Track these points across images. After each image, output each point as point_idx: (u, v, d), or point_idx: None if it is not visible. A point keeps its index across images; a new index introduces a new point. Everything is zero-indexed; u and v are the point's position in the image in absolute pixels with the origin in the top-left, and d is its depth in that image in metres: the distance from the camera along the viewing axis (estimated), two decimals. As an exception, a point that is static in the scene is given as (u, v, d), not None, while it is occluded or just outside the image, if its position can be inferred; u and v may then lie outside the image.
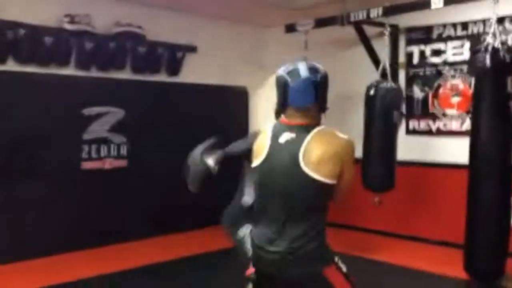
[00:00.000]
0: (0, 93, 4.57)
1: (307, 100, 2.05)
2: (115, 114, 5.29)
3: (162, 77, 5.76)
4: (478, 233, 3.90)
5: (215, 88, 6.20)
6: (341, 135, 2.04)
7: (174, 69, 5.82)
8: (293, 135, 2.02)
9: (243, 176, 2.31)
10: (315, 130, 2.01)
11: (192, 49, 5.96)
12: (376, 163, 4.62)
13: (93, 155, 5.15)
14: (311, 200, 1.99)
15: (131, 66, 5.47)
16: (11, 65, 4.64)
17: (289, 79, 2.04)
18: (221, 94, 6.31)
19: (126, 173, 5.37)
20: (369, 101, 4.63)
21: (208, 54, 6.12)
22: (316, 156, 1.95)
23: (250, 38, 6.76)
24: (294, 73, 2.06)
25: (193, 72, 5.97)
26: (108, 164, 5.26)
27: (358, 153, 4.84)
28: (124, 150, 5.37)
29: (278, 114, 2.12)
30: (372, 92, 4.59)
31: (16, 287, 4.06)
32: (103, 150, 5.23)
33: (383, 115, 4.55)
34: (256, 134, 2.20)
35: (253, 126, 6.80)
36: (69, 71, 5.02)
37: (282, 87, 2.06)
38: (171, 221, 5.59)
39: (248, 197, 2.25)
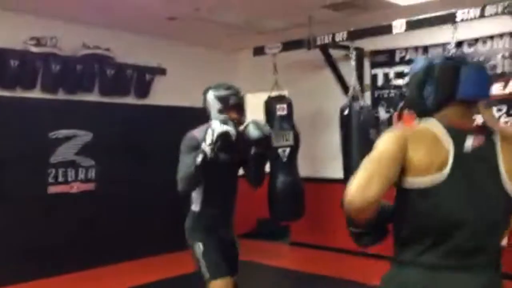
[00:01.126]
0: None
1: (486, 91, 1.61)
2: (83, 137, 5.23)
3: (130, 99, 5.75)
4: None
5: (184, 110, 6.21)
6: None
7: (143, 91, 5.82)
8: (480, 141, 1.54)
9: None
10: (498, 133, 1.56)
11: (161, 71, 5.98)
12: None
13: (60, 178, 5.06)
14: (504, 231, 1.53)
15: (99, 89, 5.44)
16: (-25, 89, 4.57)
17: (462, 64, 1.57)
18: (191, 116, 6.25)
19: (93, 196, 5.30)
20: (344, 121, 4.74)
21: (177, 76, 6.15)
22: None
23: (219, 61, 6.83)
24: (463, 59, 1.65)
25: (163, 95, 5.98)
26: (75, 188, 5.18)
27: (334, 172, 5.00)
28: (92, 173, 5.30)
29: (428, 112, 1.63)
30: (346, 112, 4.72)
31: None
32: (70, 174, 5.15)
33: (360, 133, 4.65)
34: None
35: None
36: (36, 94, 4.96)
37: (450, 73, 1.58)
38: (139, 245, 5.51)
39: None
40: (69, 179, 5.14)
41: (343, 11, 5.05)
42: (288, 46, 5.34)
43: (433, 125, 1.59)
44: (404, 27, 4.40)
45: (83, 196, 5.23)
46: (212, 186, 2.69)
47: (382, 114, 5.59)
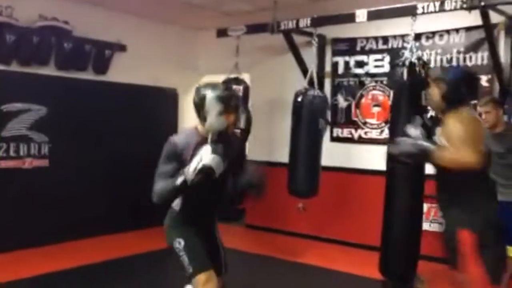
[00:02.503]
0: None
1: None
2: (37, 111, 5.07)
3: (89, 75, 5.61)
4: (393, 237, 4.15)
5: (144, 88, 6.12)
6: None
7: (102, 67, 5.68)
8: None
9: None
10: None
11: (121, 48, 5.85)
12: (302, 169, 4.75)
13: (12, 153, 4.90)
14: None
15: (55, 62, 5.28)
16: None
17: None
18: (150, 95, 6.24)
19: (47, 173, 5.16)
20: (297, 108, 4.76)
21: (138, 54, 6.04)
22: None
23: (181, 39, 6.75)
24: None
25: (122, 72, 5.86)
26: (27, 163, 5.03)
27: (287, 157, 5.05)
28: (45, 150, 5.16)
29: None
30: (299, 99, 4.73)
31: None
32: (23, 149, 5.00)
33: (310, 121, 4.70)
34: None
35: (182, 127, 6.78)
36: (-13, 64, 4.76)
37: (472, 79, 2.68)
38: (92, 223, 5.41)
39: None
40: (21, 154, 4.98)
41: (308, -3, 5.08)
42: (252, 29, 5.33)
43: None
44: (366, 17, 4.48)
45: (36, 172, 5.09)
46: (194, 191, 2.51)
47: (341, 102, 5.70)
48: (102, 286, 4.10)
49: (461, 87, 2.55)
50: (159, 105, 6.34)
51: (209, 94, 2.48)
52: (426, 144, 2.48)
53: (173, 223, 2.66)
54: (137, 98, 6.02)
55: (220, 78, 5.98)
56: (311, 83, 5.11)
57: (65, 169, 5.26)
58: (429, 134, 2.66)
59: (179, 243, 2.59)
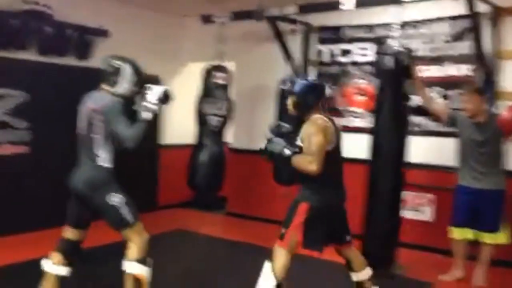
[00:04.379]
0: None
1: None
2: (16, 97, 4.97)
3: (70, 60, 5.49)
4: (374, 224, 4.19)
5: (127, 75, 6.02)
6: None
7: (84, 52, 5.58)
8: None
9: None
10: None
11: (103, 33, 5.74)
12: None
13: (-10, 139, 4.81)
14: None
15: (36, 47, 5.16)
16: None
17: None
18: (134, 81, 6.14)
19: (27, 160, 5.07)
20: (281, 94, 4.75)
21: (120, 39, 5.92)
22: None
23: (165, 26, 6.66)
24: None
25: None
26: (6, 149, 4.93)
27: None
28: (26, 136, 5.07)
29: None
30: (285, 86, 4.71)
31: None
32: (1, 135, 4.90)
33: None
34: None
35: (165, 115, 6.72)
36: (-36, 48, 4.64)
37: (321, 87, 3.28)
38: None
39: None
40: (0, 140, 4.89)
41: (294, -16, 5.04)
42: (237, 16, 5.30)
43: None
44: (353, 4, 4.46)
45: (15, 158, 5.00)
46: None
47: (326, 90, 5.67)
48: (93, 270, 4.07)
49: (307, 97, 3.01)
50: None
51: (127, 68, 3.13)
52: (288, 149, 2.95)
53: (109, 179, 3.06)
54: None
55: (203, 66, 5.96)
56: (296, 70, 5.10)
57: (47, 156, 5.18)
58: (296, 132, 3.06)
59: (119, 197, 3.03)
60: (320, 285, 4.15)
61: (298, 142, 2.96)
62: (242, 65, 6.22)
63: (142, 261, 3.05)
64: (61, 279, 3.11)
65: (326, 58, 5.69)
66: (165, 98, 3.03)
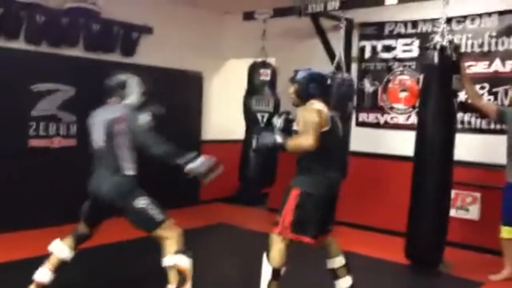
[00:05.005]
0: None
1: None
2: (66, 92, 5.14)
3: (116, 56, 5.65)
4: (420, 222, 4.13)
5: (170, 71, 6.14)
6: None
7: (129, 49, 5.72)
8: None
9: None
10: None
11: (148, 30, 5.87)
12: None
13: (41, 132, 4.99)
14: None
15: (83, 44, 5.33)
16: (-45, 35, 4.42)
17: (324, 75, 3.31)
18: (176, 78, 6.26)
19: (74, 152, 5.24)
20: None
21: (163, 36, 6.06)
22: None
23: (207, 23, 6.75)
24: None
25: (148, 54, 5.89)
26: (56, 142, 5.11)
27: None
28: (73, 129, 5.23)
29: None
30: (328, 81, 4.67)
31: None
32: (52, 128, 5.08)
33: (338, 105, 4.61)
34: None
35: (206, 112, 6.81)
36: (19, 44, 4.83)
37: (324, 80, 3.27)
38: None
39: None
40: (50, 133, 5.07)
41: (336, -21, 5.01)
42: (279, 12, 5.31)
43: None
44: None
45: (64, 151, 5.17)
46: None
47: (367, 86, 5.64)
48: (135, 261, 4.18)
49: (309, 86, 3.12)
50: (184, 88, 6.37)
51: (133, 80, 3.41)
52: (279, 137, 3.04)
53: (132, 186, 3.19)
54: (163, 81, 6.04)
55: (245, 62, 6.01)
56: (338, 67, 5.08)
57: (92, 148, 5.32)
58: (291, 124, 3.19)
59: (144, 200, 3.14)
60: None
61: (294, 127, 3.08)
62: (283, 61, 6.23)
63: (183, 252, 3.12)
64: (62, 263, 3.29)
65: (368, 54, 5.64)
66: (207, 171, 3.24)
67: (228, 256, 4.59)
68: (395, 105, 5.44)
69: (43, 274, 3.20)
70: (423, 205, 4.13)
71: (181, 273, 3.09)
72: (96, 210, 3.30)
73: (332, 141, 3.07)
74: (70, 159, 5.19)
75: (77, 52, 5.30)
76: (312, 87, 3.12)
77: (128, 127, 3.15)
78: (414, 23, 5.27)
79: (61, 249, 3.29)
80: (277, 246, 3.02)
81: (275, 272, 3.00)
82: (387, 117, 5.50)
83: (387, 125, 5.51)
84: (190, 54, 6.44)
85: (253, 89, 5.57)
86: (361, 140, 5.51)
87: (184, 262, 3.09)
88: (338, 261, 3.25)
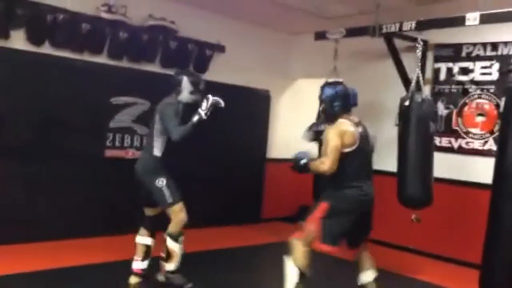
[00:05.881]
0: (35, 74, 4.67)
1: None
2: (142, 105, 5.36)
3: (189, 73, 5.83)
4: (497, 254, 3.90)
5: (239, 89, 6.26)
6: None
7: (202, 66, 5.89)
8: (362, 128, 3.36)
9: None
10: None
11: (221, 48, 6.03)
12: (415, 176, 4.45)
13: (117, 143, 5.22)
14: None
15: (160, 60, 5.55)
16: (47, 48, 4.74)
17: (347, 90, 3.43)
18: (245, 96, 6.36)
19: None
20: (404, 112, 4.53)
21: (234, 55, 6.20)
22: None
23: (277, 43, 6.84)
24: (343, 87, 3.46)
25: (220, 71, 6.04)
26: (130, 154, 5.32)
27: (381, 164, 4.90)
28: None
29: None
30: (407, 103, 4.51)
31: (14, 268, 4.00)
32: (127, 140, 5.30)
33: (420, 126, 4.42)
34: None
35: (273, 130, 6.86)
36: (102, 59, 5.10)
37: (346, 94, 3.37)
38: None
39: None
40: (125, 144, 5.29)
41: None
42: (352, 32, 5.27)
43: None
44: (477, 20, 4.25)
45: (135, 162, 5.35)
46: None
47: (441, 109, 5.46)
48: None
49: (334, 103, 3.29)
50: (252, 106, 6.46)
51: (185, 78, 3.85)
52: (305, 158, 3.26)
53: (157, 166, 3.72)
54: (232, 98, 6.12)
55: (313, 83, 6.01)
56: (416, 87, 4.94)
57: (164, 162, 5.47)
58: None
59: (162, 181, 3.67)
60: None
61: (323, 146, 3.31)
62: (351, 81, 6.16)
63: (174, 237, 3.69)
64: (148, 247, 3.83)
65: (442, 76, 5.48)
66: (213, 106, 3.72)
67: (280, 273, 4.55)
68: (471, 130, 5.23)
69: (138, 264, 3.79)
70: (500, 235, 3.90)
71: (169, 251, 3.69)
72: (144, 191, 3.80)
73: (362, 158, 3.25)
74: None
75: (154, 67, 5.52)
76: (337, 105, 3.29)
77: (159, 115, 3.69)
78: (494, 45, 5.08)
79: (143, 239, 3.83)
80: (300, 249, 3.23)
81: (301, 274, 3.19)
82: (461, 142, 5.29)
83: (461, 150, 5.30)
84: (259, 73, 6.54)
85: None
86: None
87: (173, 246, 3.67)
88: (368, 275, 3.37)
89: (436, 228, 5.38)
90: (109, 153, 5.18)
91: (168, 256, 3.71)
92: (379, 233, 5.79)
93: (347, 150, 3.16)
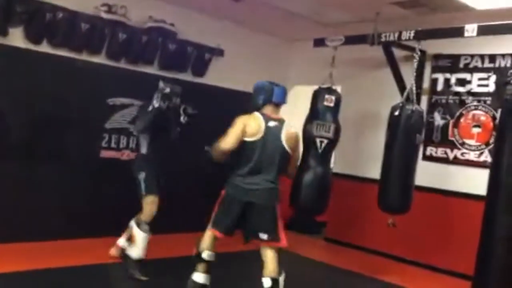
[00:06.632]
0: (31, 72, 4.64)
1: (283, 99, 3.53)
2: (138, 106, 5.33)
3: (187, 76, 5.83)
4: (490, 265, 3.90)
5: (237, 93, 6.24)
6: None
7: (201, 70, 5.89)
8: (276, 123, 3.39)
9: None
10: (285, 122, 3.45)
11: (220, 52, 6.03)
12: (395, 184, 4.59)
13: (113, 144, 5.20)
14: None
15: (159, 62, 5.54)
16: (45, 47, 4.72)
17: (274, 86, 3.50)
18: (243, 100, 6.30)
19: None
20: (393, 121, 4.62)
21: (234, 59, 6.20)
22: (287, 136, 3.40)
23: (276, 49, 6.85)
24: (274, 83, 3.54)
25: (218, 75, 6.04)
26: (125, 155, 5.30)
27: (374, 172, 4.92)
28: (142, 143, 5.40)
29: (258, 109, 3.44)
30: (396, 113, 4.58)
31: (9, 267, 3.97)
32: (122, 141, 5.28)
33: (406, 137, 4.54)
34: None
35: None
36: (100, 59, 5.09)
37: (270, 89, 3.46)
38: (180, 218, 5.54)
39: None
40: (121, 146, 5.27)
41: (412, 9, 4.96)
42: (351, 39, 5.28)
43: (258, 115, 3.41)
44: (475, 32, 4.28)
45: (130, 163, 5.32)
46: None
47: (438, 120, 5.48)
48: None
49: (258, 96, 3.46)
50: (251, 110, 6.42)
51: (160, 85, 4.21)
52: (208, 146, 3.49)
53: (142, 163, 4.26)
54: (229, 102, 6.14)
55: (309, 89, 6.01)
56: (408, 98, 4.96)
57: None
58: None
59: (142, 175, 4.16)
60: None
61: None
62: (349, 89, 6.19)
63: (138, 224, 4.15)
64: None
65: (440, 87, 5.50)
66: (164, 96, 4.07)
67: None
68: (467, 141, 5.24)
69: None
70: (494, 247, 3.90)
71: (131, 235, 4.16)
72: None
73: (263, 151, 3.32)
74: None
75: (152, 69, 5.51)
76: (260, 98, 3.45)
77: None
78: (492, 57, 5.10)
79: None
80: (206, 235, 3.48)
81: (199, 254, 3.46)
82: (457, 153, 5.30)
83: (456, 161, 5.31)
84: (258, 78, 6.41)
85: (315, 114, 5.53)
86: (427, 174, 5.32)
87: (136, 230, 4.11)
88: (266, 282, 3.30)
89: (429, 238, 5.38)
90: (104, 153, 5.16)
91: (131, 240, 4.17)
92: (361, 239, 5.87)
93: (247, 139, 3.30)
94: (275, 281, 3.28)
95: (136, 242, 4.11)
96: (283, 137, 3.36)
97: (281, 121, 3.42)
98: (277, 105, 3.47)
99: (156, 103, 4.04)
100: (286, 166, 3.47)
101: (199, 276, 3.45)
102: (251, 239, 3.40)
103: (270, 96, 3.42)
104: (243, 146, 3.31)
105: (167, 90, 4.12)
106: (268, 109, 3.42)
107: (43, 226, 4.71)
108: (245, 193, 3.30)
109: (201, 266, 3.46)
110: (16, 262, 4.09)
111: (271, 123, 3.35)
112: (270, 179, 3.35)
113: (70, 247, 4.66)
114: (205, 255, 3.46)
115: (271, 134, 3.34)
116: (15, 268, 3.94)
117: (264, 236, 3.29)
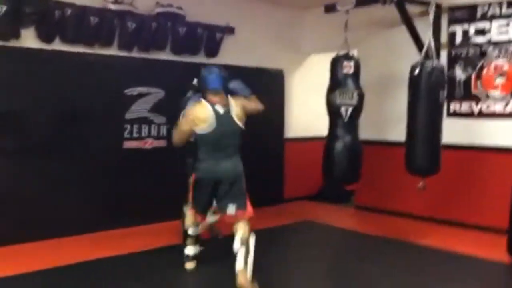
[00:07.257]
0: (48, 71, 4.69)
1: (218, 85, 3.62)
2: (156, 94, 5.36)
3: (200, 58, 5.80)
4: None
5: (252, 70, 6.20)
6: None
7: (213, 50, 5.85)
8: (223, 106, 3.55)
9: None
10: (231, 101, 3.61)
11: (230, 30, 5.97)
12: (422, 145, 4.50)
13: (135, 134, 5.24)
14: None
15: (171, 47, 5.52)
16: (58, 45, 4.75)
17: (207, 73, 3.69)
18: (258, 76, 6.27)
19: (165, 153, 5.43)
20: (414, 81, 4.51)
21: (245, 36, 6.14)
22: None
23: (287, 20, 6.75)
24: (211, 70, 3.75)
25: (231, 54, 5.99)
26: (148, 144, 5.34)
27: (400, 135, 4.84)
28: (164, 131, 5.44)
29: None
30: (417, 71, 4.47)
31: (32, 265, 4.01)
32: (144, 130, 5.32)
33: (429, 95, 4.43)
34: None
35: (289, 108, 6.81)
36: (112, 51, 5.10)
37: (204, 77, 3.66)
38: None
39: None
40: (143, 135, 5.31)
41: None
42: (362, 1, 5.14)
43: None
44: (491, -22, 4.11)
45: (155, 152, 5.39)
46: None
47: (459, 74, 5.34)
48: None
49: (200, 84, 3.71)
50: (266, 86, 6.36)
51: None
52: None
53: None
54: (245, 80, 6.10)
55: (326, 57, 5.91)
56: (427, 55, 4.84)
57: (181, 150, 5.49)
58: None
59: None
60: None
61: None
62: (365, 53, 6.08)
63: None
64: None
65: (458, 39, 5.34)
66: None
67: (317, 251, 4.56)
68: (491, 93, 5.10)
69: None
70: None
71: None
72: None
73: (218, 137, 3.50)
74: (162, 160, 5.40)
75: (165, 55, 5.50)
76: (201, 86, 3.67)
77: None
78: (510, 3, 4.91)
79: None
80: (188, 215, 3.89)
81: (186, 232, 3.91)
82: (482, 106, 5.18)
83: (482, 115, 5.19)
84: (271, 51, 6.48)
85: (336, 83, 5.46)
86: (453, 131, 5.22)
87: None
88: (236, 244, 3.41)
89: (459, 195, 5.31)
90: (127, 144, 5.21)
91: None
92: (391, 203, 5.82)
93: (201, 132, 3.50)
94: (245, 241, 3.43)
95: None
96: (235, 117, 3.54)
97: (226, 104, 3.55)
98: (217, 91, 3.58)
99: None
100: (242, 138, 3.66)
101: (189, 249, 3.92)
102: (222, 213, 3.65)
103: (206, 84, 3.61)
104: (200, 136, 3.54)
105: (194, 81, 4.12)
106: (210, 96, 3.57)
107: (71, 221, 4.79)
108: (213, 173, 3.54)
109: (189, 241, 3.92)
110: (54, 258, 4.17)
111: (219, 109, 3.51)
112: (232, 154, 3.59)
113: (100, 239, 4.75)
114: (191, 231, 3.92)
115: (223, 118, 3.50)
116: (61, 262, 4.04)
117: (232, 207, 3.53)
